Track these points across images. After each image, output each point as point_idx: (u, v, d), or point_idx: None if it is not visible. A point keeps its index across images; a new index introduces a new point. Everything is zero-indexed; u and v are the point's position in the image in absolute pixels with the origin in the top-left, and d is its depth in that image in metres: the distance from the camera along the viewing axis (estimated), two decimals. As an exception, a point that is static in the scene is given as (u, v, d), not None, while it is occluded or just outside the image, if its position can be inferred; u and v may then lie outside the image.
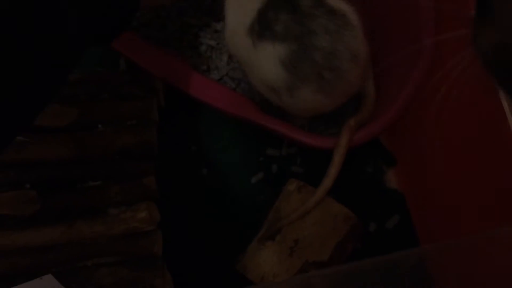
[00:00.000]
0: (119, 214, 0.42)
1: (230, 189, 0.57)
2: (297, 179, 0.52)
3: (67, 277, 0.41)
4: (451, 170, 0.50)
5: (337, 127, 0.53)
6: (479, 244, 0.33)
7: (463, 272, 0.33)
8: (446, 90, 0.48)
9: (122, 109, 0.46)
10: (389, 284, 0.32)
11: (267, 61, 0.47)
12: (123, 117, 0.46)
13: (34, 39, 0.27)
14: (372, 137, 0.49)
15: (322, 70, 0.46)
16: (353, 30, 0.46)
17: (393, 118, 0.48)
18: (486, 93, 0.42)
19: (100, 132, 0.45)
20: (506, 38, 0.26)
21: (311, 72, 0.46)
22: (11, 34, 0.26)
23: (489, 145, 0.44)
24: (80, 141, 0.44)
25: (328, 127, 0.56)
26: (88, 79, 0.49)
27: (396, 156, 0.57)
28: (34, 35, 0.27)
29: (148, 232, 0.43)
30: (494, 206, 0.44)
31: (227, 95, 0.54)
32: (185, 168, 0.56)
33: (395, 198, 0.55)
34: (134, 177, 0.44)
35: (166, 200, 0.51)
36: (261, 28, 0.47)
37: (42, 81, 0.29)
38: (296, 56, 0.45)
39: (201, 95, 0.53)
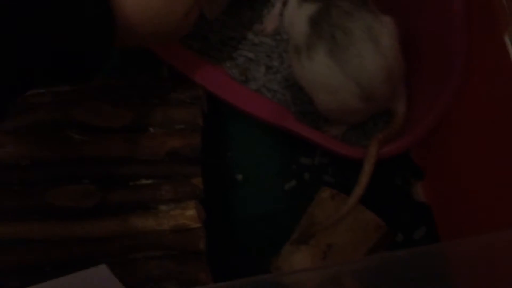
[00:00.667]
0: (169, 211, 0.45)
1: (263, 195, 0.59)
2: (329, 187, 0.55)
3: (119, 268, 0.44)
4: (478, 184, 0.52)
5: (368, 140, 0.56)
6: (498, 242, 0.34)
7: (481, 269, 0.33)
8: (476, 104, 0.51)
9: (171, 114, 0.49)
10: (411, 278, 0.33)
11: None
12: (172, 122, 0.49)
13: None
14: (401, 151, 0.52)
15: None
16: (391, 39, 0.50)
17: (422, 134, 0.51)
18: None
19: (151, 134, 0.48)
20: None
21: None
22: None
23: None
24: (133, 141, 0.47)
25: (359, 139, 0.59)
26: (137, 84, 0.52)
27: (424, 169, 0.59)
28: None
29: (194, 229, 0.46)
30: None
31: (264, 104, 0.57)
32: (220, 172, 0.59)
33: (422, 210, 0.58)
34: (183, 177, 0.47)
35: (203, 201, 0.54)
36: None
37: None
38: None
39: (240, 104, 0.56)
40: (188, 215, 0.45)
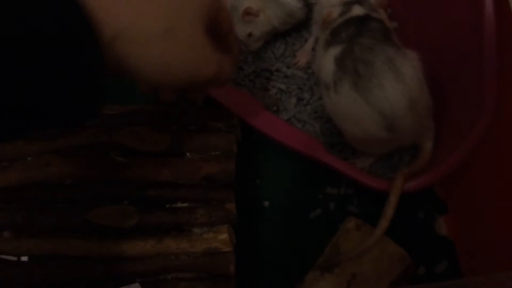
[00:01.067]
0: (202, 234, 0.47)
1: (289, 222, 0.61)
2: (354, 217, 0.57)
3: None
4: (501, 220, 0.53)
5: (393, 173, 0.58)
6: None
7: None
8: (502, 141, 0.52)
9: (208, 140, 0.52)
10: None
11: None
12: (208, 148, 0.51)
13: None
14: (426, 186, 0.54)
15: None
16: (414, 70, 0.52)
17: (448, 171, 0.53)
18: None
19: (188, 160, 0.51)
20: None
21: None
22: None
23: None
24: (171, 166, 0.49)
25: (385, 172, 0.61)
26: (173, 111, 0.55)
27: (448, 204, 0.61)
28: None
29: (226, 253, 0.47)
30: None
31: (295, 134, 0.59)
32: (248, 199, 0.62)
33: (444, 244, 0.59)
34: (217, 202, 0.49)
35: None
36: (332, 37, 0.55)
37: None
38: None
39: (272, 133, 0.58)
40: (221, 239, 0.47)
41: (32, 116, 0.27)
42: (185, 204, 0.49)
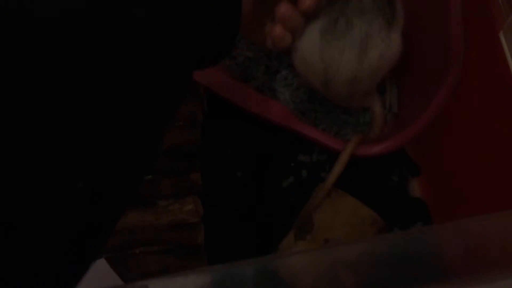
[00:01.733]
0: (168, 206, 0.46)
1: (262, 192, 0.60)
2: (326, 183, 0.56)
3: (117, 263, 0.45)
4: (473, 179, 0.53)
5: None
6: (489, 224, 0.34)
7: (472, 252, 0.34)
8: (471, 101, 0.51)
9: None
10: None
11: None
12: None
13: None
14: (397, 148, 0.53)
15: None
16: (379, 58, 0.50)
17: (418, 131, 0.52)
18: None
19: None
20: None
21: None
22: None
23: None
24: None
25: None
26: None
27: (421, 165, 0.60)
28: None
29: (193, 224, 0.46)
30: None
31: (265, 102, 0.58)
32: (220, 169, 0.60)
33: (418, 206, 0.59)
34: (182, 173, 0.48)
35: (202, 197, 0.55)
36: None
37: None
38: None
39: (241, 102, 0.57)
40: (187, 210, 0.46)
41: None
42: (149, 176, 0.48)
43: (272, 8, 0.38)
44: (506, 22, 0.43)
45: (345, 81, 0.50)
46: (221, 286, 0.27)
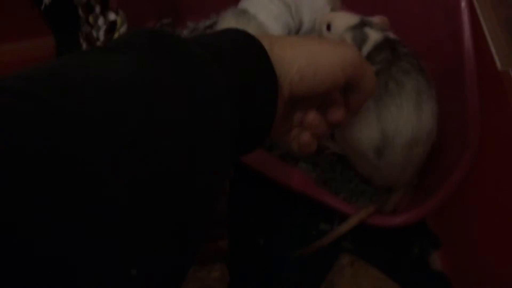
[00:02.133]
0: (195, 272, 0.47)
1: (284, 260, 0.61)
2: (348, 254, 0.57)
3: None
4: (495, 253, 0.53)
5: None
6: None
7: None
8: (490, 175, 0.53)
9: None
10: None
11: None
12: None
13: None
14: (417, 220, 0.54)
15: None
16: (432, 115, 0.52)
17: (438, 204, 0.53)
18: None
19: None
20: None
21: None
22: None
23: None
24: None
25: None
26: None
27: (442, 238, 0.61)
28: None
29: (219, 291, 0.47)
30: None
31: (288, 170, 0.60)
32: (244, 237, 0.61)
33: (440, 280, 0.59)
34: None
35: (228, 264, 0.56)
36: None
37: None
38: None
39: (266, 170, 0.59)
40: (214, 276, 0.47)
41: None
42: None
43: (299, 113, 0.40)
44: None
45: (405, 140, 0.51)
46: None
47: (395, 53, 0.52)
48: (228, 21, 0.61)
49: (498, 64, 0.46)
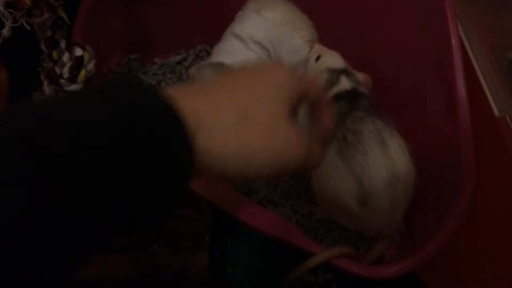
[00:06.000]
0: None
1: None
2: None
3: None
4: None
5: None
6: None
7: None
8: (482, 225, 0.51)
9: (178, 230, 0.47)
10: None
11: None
12: (178, 239, 0.47)
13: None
14: (409, 270, 0.51)
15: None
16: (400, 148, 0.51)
17: (430, 255, 0.51)
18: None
19: (156, 253, 0.46)
20: None
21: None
22: None
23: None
24: (137, 260, 0.44)
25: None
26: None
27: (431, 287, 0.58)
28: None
29: None
30: None
31: (267, 216, 0.56)
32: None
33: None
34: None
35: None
36: None
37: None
38: None
39: (244, 217, 0.55)
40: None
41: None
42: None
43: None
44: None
45: (384, 181, 0.49)
46: None
47: (353, 104, 0.53)
48: (206, 77, 0.60)
49: (495, 110, 0.44)
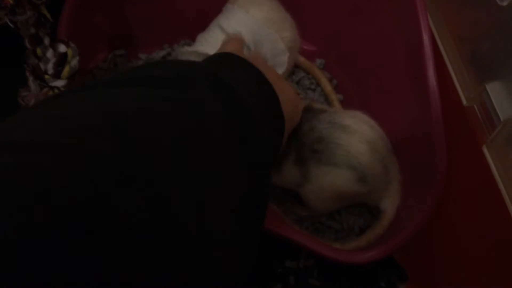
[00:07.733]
0: None
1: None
2: (316, 291, 0.55)
3: None
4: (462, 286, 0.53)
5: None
6: None
7: None
8: (456, 210, 0.53)
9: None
10: None
11: None
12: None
13: None
14: (386, 255, 0.53)
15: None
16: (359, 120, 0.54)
17: (407, 239, 0.52)
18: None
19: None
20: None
21: None
22: None
23: (505, 263, 0.47)
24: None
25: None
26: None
27: (408, 272, 0.60)
28: None
29: None
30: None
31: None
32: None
33: (407, 313, 0.58)
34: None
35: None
36: None
37: None
38: None
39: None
40: None
41: None
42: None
43: None
44: (490, 137, 0.46)
45: (367, 152, 0.52)
46: None
47: (300, 127, 0.55)
48: None
49: (463, 100, 0.46)
